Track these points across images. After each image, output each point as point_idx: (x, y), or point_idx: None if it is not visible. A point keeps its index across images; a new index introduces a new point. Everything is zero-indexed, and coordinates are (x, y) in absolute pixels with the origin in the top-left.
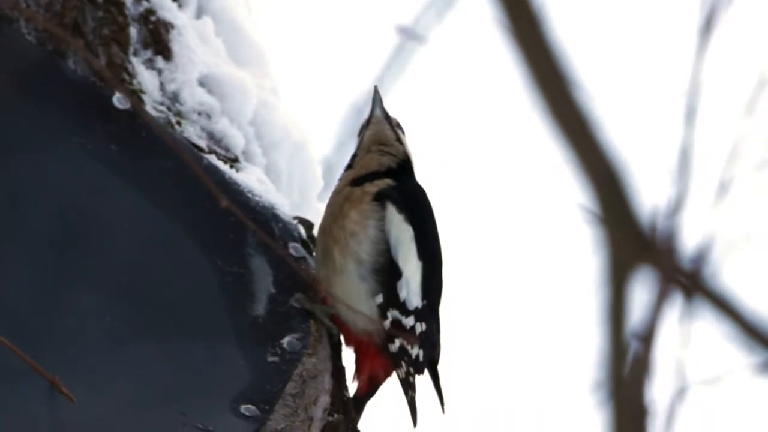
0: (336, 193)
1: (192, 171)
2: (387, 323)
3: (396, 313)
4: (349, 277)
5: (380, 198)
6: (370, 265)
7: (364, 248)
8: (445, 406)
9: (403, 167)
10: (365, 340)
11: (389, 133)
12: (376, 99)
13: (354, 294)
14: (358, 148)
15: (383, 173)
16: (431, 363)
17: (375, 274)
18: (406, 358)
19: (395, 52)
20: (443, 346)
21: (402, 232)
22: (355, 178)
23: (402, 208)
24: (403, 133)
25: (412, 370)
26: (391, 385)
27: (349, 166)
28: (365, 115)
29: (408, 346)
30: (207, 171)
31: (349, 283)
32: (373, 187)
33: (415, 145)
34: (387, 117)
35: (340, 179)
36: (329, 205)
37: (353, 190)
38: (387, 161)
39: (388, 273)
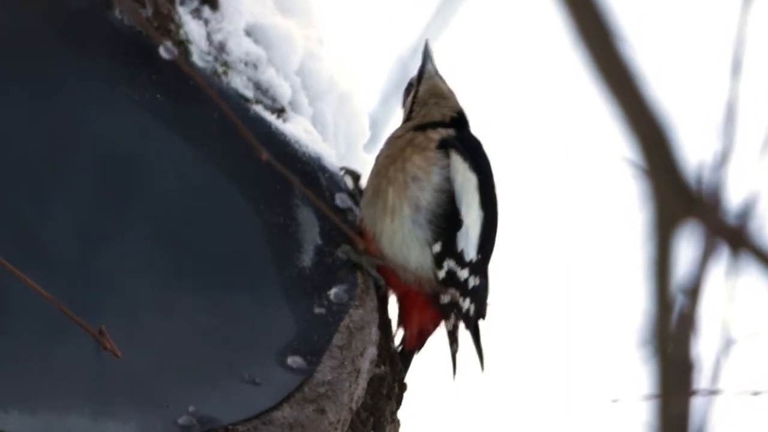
0: (395, 138)
1: (234, 123)
2: (442, 273)
3: (452, 264)
4: (402, 221)
5: (443, 146)
6: (428, 213)
7: (425, 195)
8: (484, 364)
9: (459, 120)
10: (414, 290)
11: (443, 85)
12: (428, 53)
13: (405, 239)
14: (413, 103)
15: (445, 124)
16: (477, 319)
17: (432, 222)
18: (456, 311)
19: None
20: (490, 303)
21: (467, 181)
22: (418, 125)
23: (466, 157)
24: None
25: (460, 323)
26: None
27: (407, 120)
28: (409, 69)
29: (459, 298)
30: (253, 121)
31: (401, 227)
32: (436, 135)
33: (462, 97)
34: (437, 71)
35: (396, 131)
36: (386, 148)
37: (416, 135)
38: (448, 113)
39: (447, 222)
